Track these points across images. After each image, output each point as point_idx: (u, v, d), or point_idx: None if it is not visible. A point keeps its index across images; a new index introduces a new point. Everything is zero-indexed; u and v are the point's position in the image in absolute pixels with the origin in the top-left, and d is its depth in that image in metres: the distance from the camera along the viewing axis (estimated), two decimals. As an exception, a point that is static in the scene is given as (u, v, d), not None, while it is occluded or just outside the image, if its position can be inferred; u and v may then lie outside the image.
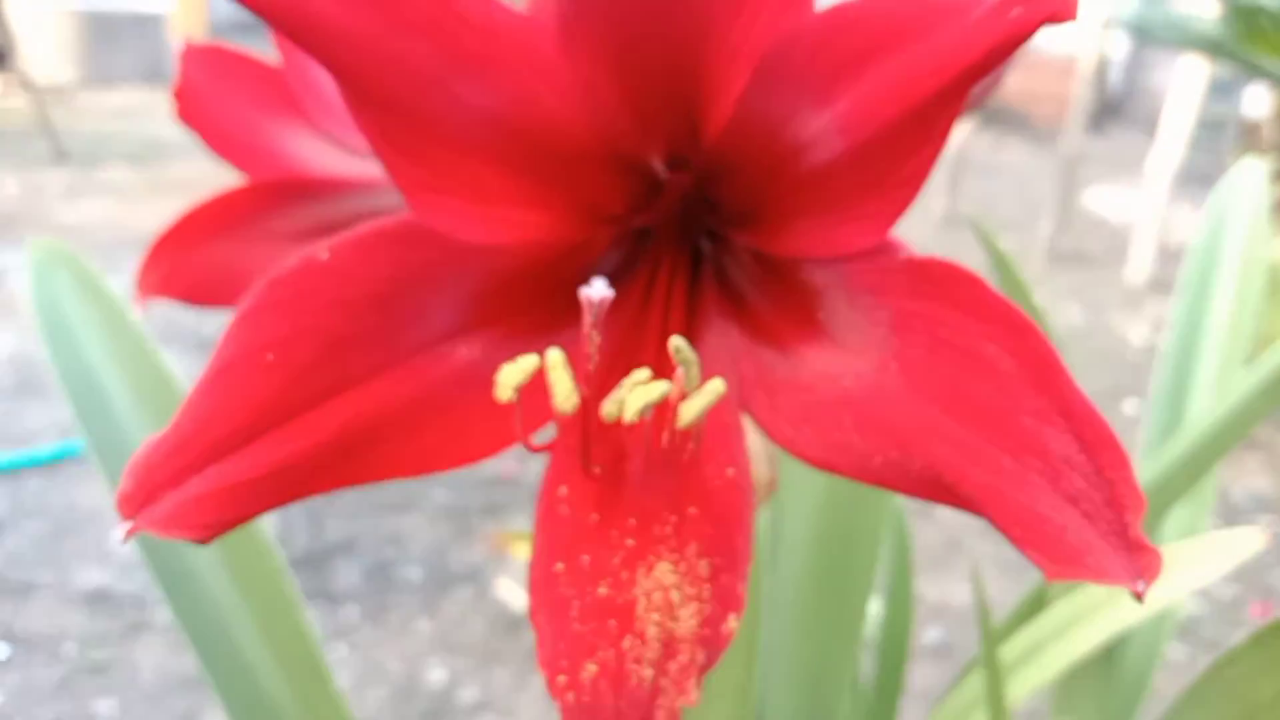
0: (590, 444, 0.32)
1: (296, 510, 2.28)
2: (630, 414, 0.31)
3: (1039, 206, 6.16)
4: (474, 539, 2.35)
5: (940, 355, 0.30)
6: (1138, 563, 0.27)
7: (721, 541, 0.32)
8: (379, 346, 0.33)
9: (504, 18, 0.30)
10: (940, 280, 0.30)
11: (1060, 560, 0.27)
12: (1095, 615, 0.86)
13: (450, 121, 0.31)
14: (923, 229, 5.80)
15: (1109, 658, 0.94)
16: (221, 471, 0.30)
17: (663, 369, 0.34)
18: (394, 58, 0.29)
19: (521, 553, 1.92)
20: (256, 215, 0.56)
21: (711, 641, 0.31)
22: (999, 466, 0.28)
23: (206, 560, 0.67)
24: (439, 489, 2.48)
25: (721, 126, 0.33)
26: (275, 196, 0.56)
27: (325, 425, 0.32)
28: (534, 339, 0.36)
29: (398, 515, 2.38)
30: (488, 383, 0.33)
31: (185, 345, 3.07)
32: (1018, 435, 0.28)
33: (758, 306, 0.36)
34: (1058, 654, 0.86)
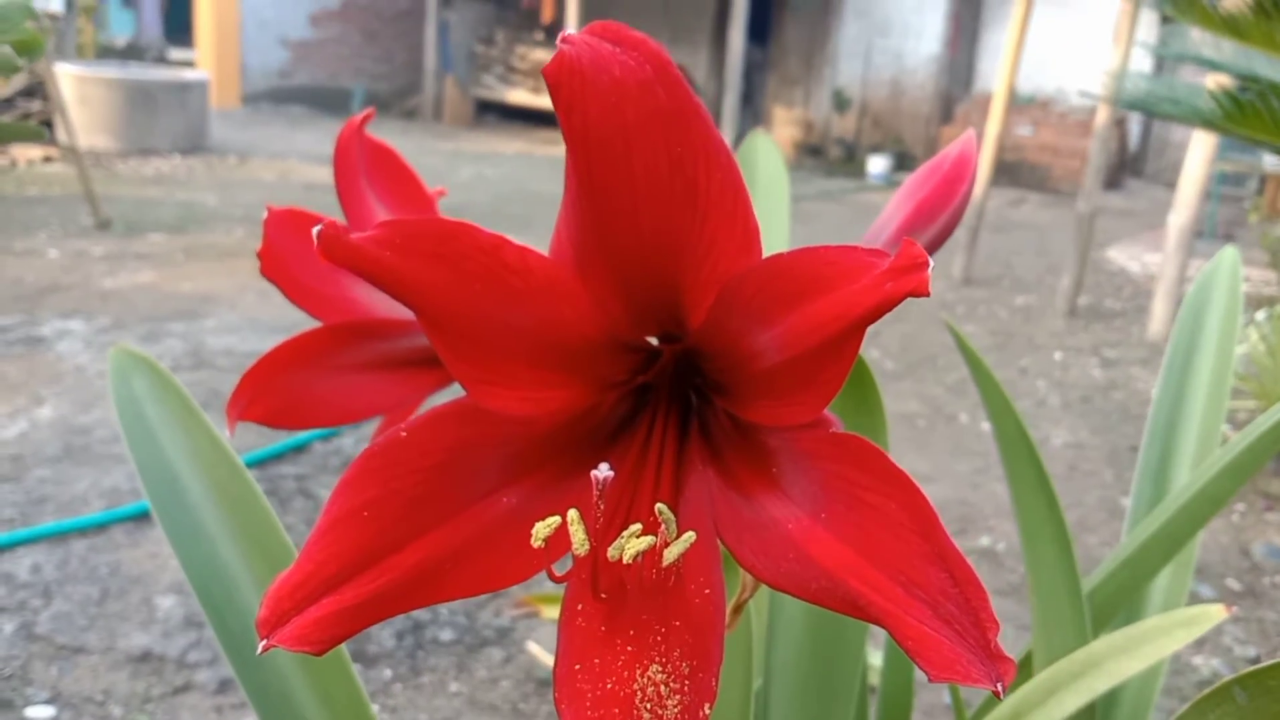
0: (599, 576, 0.43)
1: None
2: (628, 557, 0.42)
3: (1059, 262, 6.23)
4: (504, 601, 2.43)
5: (855, 509, 0.40)
6: (997, 669, 0.37)
7: (699, 646, 0.42)
8: (445, 501, 0.44)
9: (536, 261, 0.41)
10: (856, 451, 0.41)
11: (939, 666, 0.37)
12: (1074, 683, 0.95)
13: (499, 336, 0.42)
14: (943, 287, 5.90)
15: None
16: (332, 601, 0.41)
17: (654, 513, 0.44)
18: (457, 297, 0.40)
19: (551, 613, 1.98)
20: (329, 352, 0.67)
21: None
22: (895, 595, 0.38)
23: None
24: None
25: (700, 323, 0.44)
26: (346, 336, 0.67)
27: (406, 563, 0.42)
28: (561, 483, 0.47)
29: (429, 577, 2.46)
30: (526, 524, 0.44)
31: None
32: (908, 572, 0.39)
33: (730, 459, 0.47)
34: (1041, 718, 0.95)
